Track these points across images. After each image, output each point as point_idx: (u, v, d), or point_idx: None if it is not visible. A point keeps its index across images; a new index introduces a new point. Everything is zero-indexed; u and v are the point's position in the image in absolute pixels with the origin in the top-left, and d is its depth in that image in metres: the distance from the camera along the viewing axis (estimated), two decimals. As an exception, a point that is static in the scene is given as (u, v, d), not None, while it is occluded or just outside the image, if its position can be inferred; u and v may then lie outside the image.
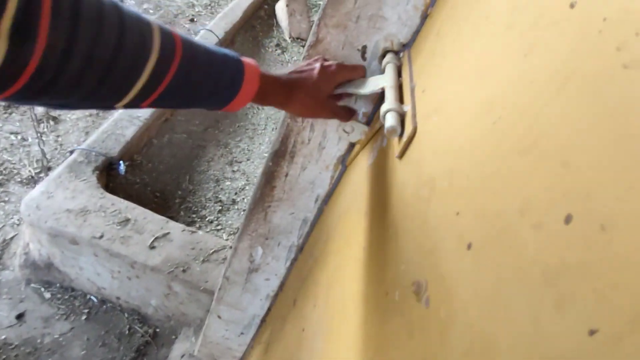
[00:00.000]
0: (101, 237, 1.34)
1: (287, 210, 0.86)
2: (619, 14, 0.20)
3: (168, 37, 0.41)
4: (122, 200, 1.46)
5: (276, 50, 2.85)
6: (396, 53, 0.60)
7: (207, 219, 1.73)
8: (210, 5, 3.08)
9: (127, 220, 1.41)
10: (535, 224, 0.21)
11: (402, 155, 0.45)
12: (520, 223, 0.22)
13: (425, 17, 0.57)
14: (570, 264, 0.18)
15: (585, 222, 0.18)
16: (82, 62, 0.34)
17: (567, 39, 0.23)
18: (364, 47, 0.62)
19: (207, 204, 1.79)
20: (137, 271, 1.36)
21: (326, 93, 0.57)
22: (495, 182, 0.26)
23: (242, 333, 1.18)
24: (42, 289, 1.48)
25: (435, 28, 0.52)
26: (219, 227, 1.70)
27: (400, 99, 0.52)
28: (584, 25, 0.22)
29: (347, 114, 0.64)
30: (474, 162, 0.30)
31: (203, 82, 0.46)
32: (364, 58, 0.62)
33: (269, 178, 0.81)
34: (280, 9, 3.03)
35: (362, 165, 0.63)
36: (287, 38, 2.94)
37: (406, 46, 0.61)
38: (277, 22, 3.07)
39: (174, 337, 1.47)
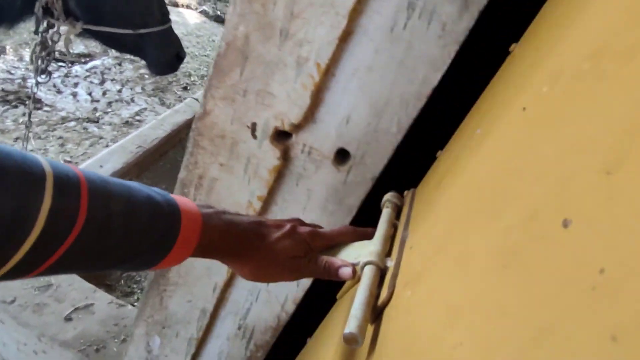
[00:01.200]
0: (12, 302, 1.21)
1: (184, 297, 0.75)
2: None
3: (67, 198, 0.30)
4: (50, 262, 1.34)
5: (263, 123, 2.87)
6: (396, 192, 0.51)
7: (147, 291, 1.59)
8: (206, 76, 3.17)
9: (49, 285, 1.28)
10: None
11: (372, 321, 0.35)
12: None
13: (315, 96, 0.51)
14: None
15: None
16: None
17: (556, 265, 0.15)
18: (254, 124, 0.55)
19: (152, 273, 1.65)
20: (45, 345, 1.21)
21: (287, 256, 0.43)
22: None
23: None
24: (-58, 355, 1.32)
25: (439, 176, 0.43)
26: (158, 302, 1.56)
27: (391, 246, 0.43)
28: (577, 253, 0.14)
29: (331, 269, 0.43)
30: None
31: (119, 248, 0.34)
32: (254, 136, 0.56)
33: (163, 258, 0.71)
34: (273, 86, 3.10)
35: (345, 310, 0.49)
36: (276, 113, 2.98)
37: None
38: (268, 98, 3.14)
39: None
